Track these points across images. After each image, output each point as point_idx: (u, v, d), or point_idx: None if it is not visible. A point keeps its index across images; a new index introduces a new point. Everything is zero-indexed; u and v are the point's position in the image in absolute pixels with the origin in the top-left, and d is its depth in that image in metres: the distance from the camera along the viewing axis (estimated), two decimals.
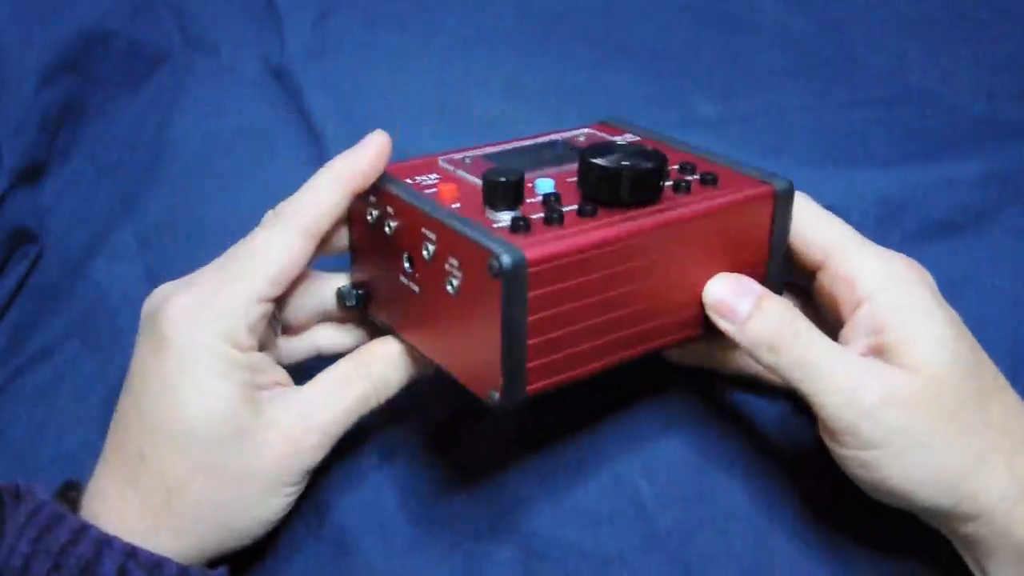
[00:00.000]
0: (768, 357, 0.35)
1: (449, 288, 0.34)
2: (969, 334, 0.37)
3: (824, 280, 0.38)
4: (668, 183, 0.37)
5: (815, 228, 0.38)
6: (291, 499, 0.37)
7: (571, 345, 0.34)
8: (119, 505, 0.34)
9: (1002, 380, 0.37)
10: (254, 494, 0.35)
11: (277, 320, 0.39)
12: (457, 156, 0.40)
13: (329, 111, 0.49)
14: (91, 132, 0.49)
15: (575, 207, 0.35)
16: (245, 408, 0.35)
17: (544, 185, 0.37)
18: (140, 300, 0.47)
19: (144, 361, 0.36)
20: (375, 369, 0.38)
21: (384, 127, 0.49)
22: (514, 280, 0.32)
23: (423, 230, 0.35)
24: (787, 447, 0.43)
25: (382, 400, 0.38)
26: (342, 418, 0.37)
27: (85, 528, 0.32)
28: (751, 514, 0.43)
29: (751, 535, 0.42)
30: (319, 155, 0.48)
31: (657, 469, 0.44)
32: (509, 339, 0.32)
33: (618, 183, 0.35)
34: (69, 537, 0.32)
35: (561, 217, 0.34)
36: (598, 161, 0.35)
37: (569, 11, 0.50)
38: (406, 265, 0.36)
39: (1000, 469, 0.34)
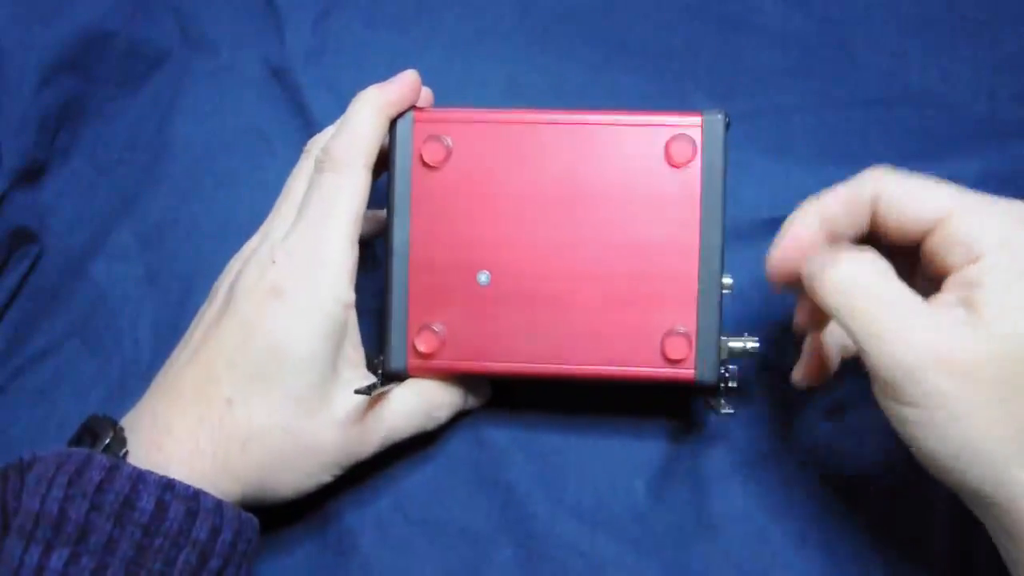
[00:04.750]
0: (831, 304, 0.34)
1: None
2: None
3: (934, 246, 0.35)
4: None
5: (917, 196, 0.35)
6: (329, 481, 0.39)
7: None
8: (189, 445, 0.36)
9: None
10: (313, 464, 0.37)
11: None
12: None
13: (329, 111, 0.49)
14: (91, 132, 0.49)
15: None
16: (335, 379, 0.37)
17: None
18: (140, 300, 0.47)
19: (248, 310, 0.37)
20: (449, 393, 0.41)
21: None
22: None
23: None
24: (786, 448, 0.43)
25: (442, 422, 0.42)
26: (406, 430, 0.40)
27: (117, 466, 0.33)
28: (749, 516, 0.43)
29: (749, 537, 0.42)
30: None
31: (653, 469, 0.44)
32: None
33: None
34: (102, 476, 0.32)
35: None
36: None
37: (569, 11, 0.50)
38: None
39: None
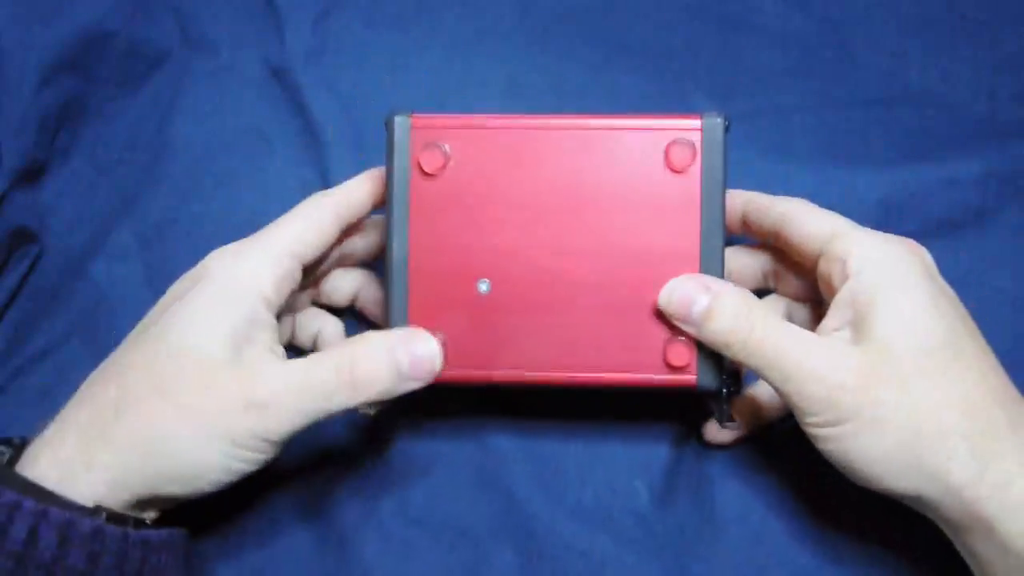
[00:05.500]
0: (728, 353, 0.36)
1: None
2: (958, 314, 0.36)
3: (823, 266, 0.38)
4: None
5: (813, 219, 0.39)
6: (239, 464, 0.35)
7: None
8: (58, 438, 0.35)
9: (990, 363, 0.36)
10: (197, 436, 0.35)
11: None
12: None
13: (329, 111, 0.49)
14: (91, 132, 0.49)
15: None
16: (231, 353, 0.35)
17: None
18: (140, 300, 0.47)
19: (174, 292, 0.38)
20: (359, 370, 0.36)
21: (384, 127, 0.49)
22: None
23: None
24: (784, 447, 0.43)
25: (360, 401, 0.36)
26: (310, 409, 0.36)
27: None
28: (749, 517, 0.43)
29: (749, 538, 0.42)
30: (319, 155, 0.48)
31: (654, 471, 0.44)
32: None
33: None
34: None
35: None
36: None
37: (569, 11, 0.50)
38: None
39: (962, 451, 0.34)
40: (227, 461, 0.35)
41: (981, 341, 0.37)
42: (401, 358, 0.36)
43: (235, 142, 0.49)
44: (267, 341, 0.37)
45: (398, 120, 0.39)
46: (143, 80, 0.50)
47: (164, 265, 0.47)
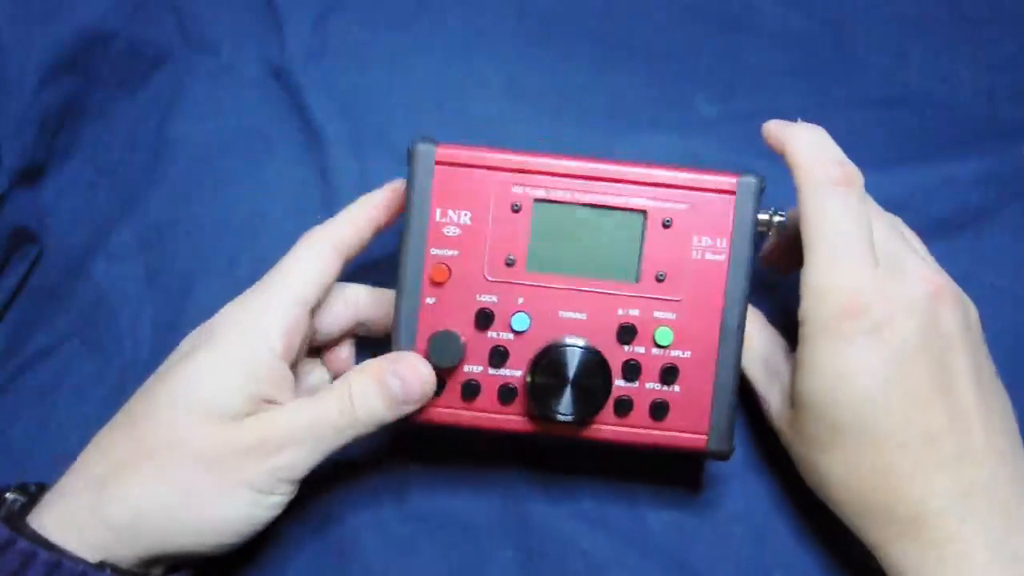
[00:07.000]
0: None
1: None
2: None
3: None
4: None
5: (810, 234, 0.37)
6: (261, 511, 0.36)
7: None
8: (70, 488, 0.35)
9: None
10: (221, 485, 0.35)
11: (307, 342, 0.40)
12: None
13: (329, 111, 0.49)
14: (91, 132, 0.49)
15: (504, 383, 0.38)
16: (245, 405, 0.36)
17: (519, 322, 0.39)
18: (140, 300, 0.47)
19: (182, 351, 0.38)
20: (357, 403, 0.37)
21: (384, 127, 0.49)
22: None
23: None
24: (785, 450, 0.43)
25: (370, 430, 0.37)
26: (324, 447, 0.37)
27: (12, 540, 0.33)
28: (749, 516, 0.43)
29: (749, 537, 0.42)
30: (319, 155, 0.48)
31: (654, 470, 0.44)
32: None
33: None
34: None
35: (475, 390, 0.38)
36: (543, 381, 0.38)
37: (569, 11, 0.50)
38: None
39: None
40: (250, 509, 0.35)
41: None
42: (391, 383, 0.37)
43: (235, 142, 0.49)
44: (280, 392, 0.37)
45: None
46: (143, 80, 0.50)
47: (164, 265, 0.47)
